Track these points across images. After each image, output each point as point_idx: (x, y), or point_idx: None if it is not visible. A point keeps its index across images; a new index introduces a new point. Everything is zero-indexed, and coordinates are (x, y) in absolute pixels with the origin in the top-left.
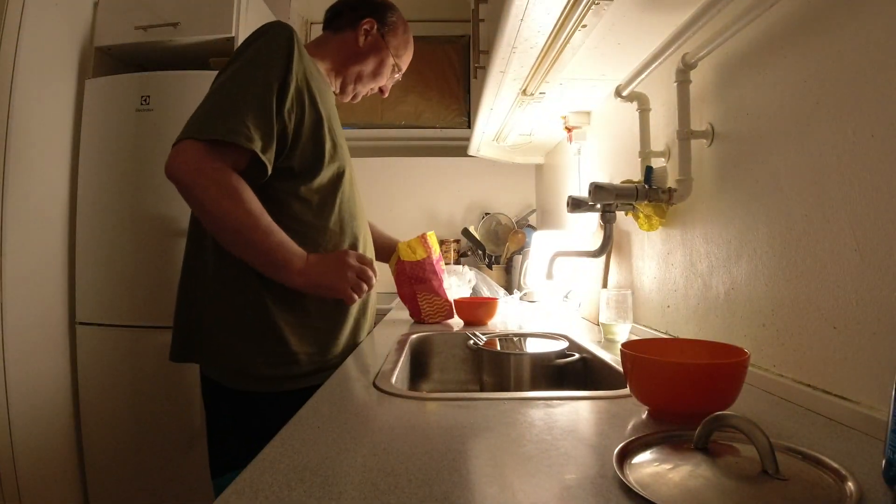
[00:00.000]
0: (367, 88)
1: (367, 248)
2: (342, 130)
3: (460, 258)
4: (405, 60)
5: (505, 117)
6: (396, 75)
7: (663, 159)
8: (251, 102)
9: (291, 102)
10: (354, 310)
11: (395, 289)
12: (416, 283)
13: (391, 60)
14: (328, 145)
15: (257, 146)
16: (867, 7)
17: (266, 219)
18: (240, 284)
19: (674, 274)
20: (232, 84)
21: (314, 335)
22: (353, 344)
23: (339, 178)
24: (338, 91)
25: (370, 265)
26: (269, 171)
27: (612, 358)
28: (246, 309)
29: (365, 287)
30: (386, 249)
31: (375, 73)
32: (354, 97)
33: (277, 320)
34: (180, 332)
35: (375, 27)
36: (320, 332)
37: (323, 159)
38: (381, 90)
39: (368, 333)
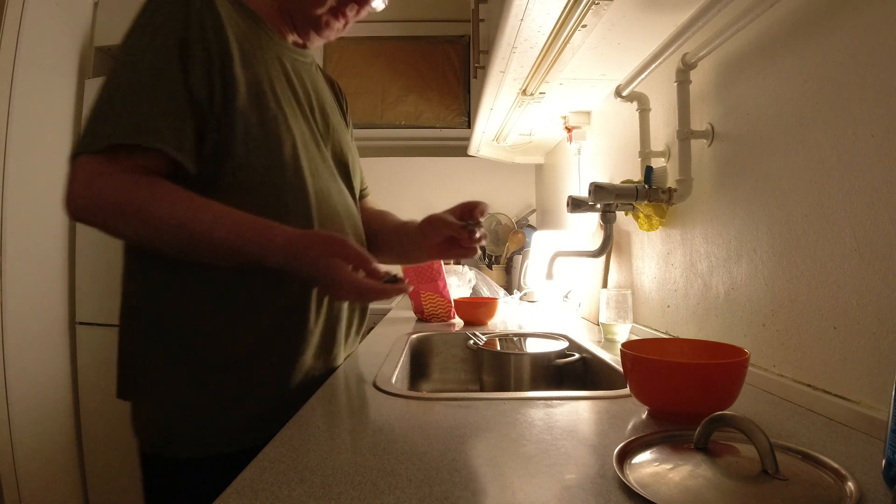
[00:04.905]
0: (326, 8)
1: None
2: (294, 93)
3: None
4: None
5: (505, 117)
6: None
7: (663, 159)
8: (147, 84)
9: (205, 68)
10: (320, 327)
11: None
12: (422, 281)
13: None
14: (271, 115)
15: (165, 139)
16: (867, 7)
17: (206, 219)
18: (163, 306)
19: (674, 274)
20: (120, 68)
21: (270, 365)
22: (327, 369)
23: (288, 155)
24: (301, 37)
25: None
26: (193, 163)
27: (612, 358)
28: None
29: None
30: (399, 244)
31: None
32: (327, 26)
33: (215, 352)
34: (119, 367)
35: None
36: (279, 358)
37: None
38: (343, 14)
39: (348, 356)
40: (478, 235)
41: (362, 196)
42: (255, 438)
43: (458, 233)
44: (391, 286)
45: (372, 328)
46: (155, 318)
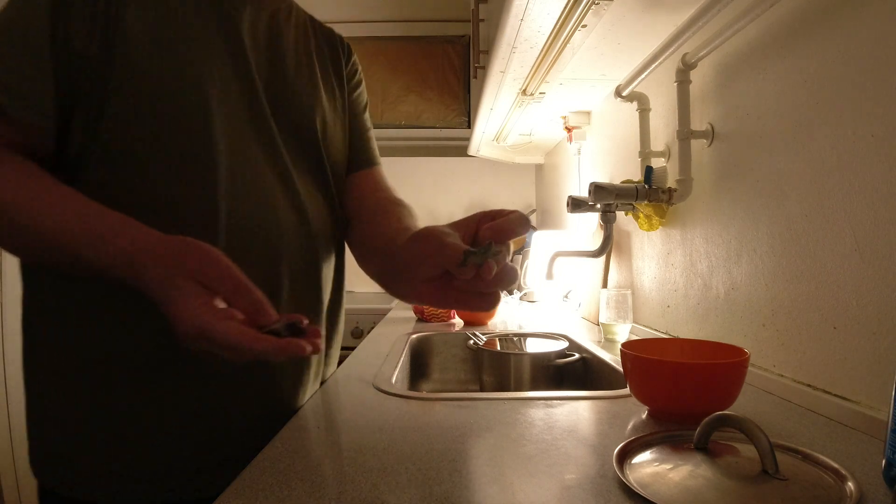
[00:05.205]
0: None
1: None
2: (230, 45)
3: None
4: None
5: (505, 117)
6: None
7: (663, 159)
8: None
9: (88, 8)
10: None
11: None
12: None
13: None
14: (175, 70)
15: None
16: (867, 7)
17: (36, 206)
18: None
19: (674, 274)
20: None
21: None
22: (274, 410)
23: (191, 122)
24: None
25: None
26: (42, 121)
27: (612, 358)
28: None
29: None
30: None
31: None
32: None
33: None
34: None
35: None
36: (174, 387)
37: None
38: None
39: (310, 396)
40: (492, 275)
41: (359, 167)
42: (174, 495)
43: (456, 269)
44: (274, 344)
45: (371, 329)
46: (39, 326)
